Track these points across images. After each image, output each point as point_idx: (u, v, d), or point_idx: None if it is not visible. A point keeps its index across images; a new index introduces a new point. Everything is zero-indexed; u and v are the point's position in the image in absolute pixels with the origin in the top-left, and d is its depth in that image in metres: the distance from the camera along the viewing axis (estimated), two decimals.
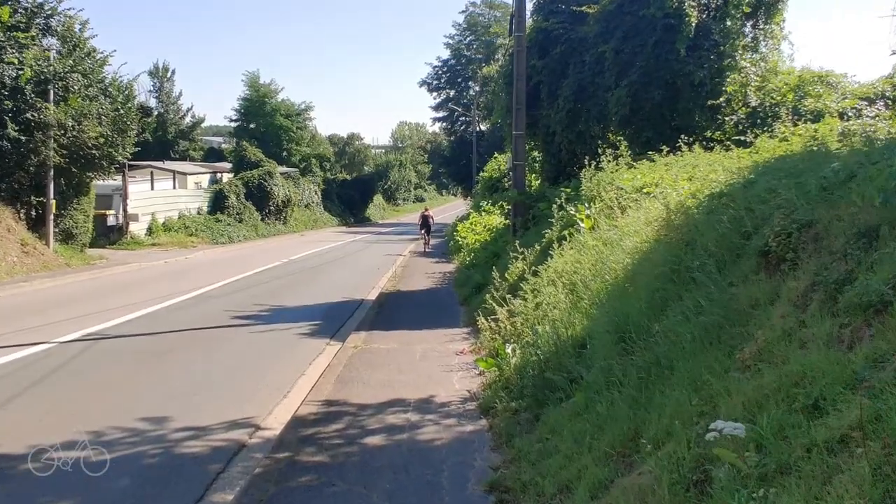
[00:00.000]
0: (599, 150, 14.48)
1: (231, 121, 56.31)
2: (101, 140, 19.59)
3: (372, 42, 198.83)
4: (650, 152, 10.97)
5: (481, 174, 28.64)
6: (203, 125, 62.79)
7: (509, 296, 9.26)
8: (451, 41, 63.71)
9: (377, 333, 10.03)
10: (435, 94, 63.19)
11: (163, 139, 51.82)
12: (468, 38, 63.66)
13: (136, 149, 22.60)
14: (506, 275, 10.33)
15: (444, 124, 62.78)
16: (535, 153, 17.38)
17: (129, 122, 20.91)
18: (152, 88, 54.58)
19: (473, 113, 55.44)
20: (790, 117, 11.91)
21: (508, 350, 6.81)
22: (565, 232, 9.73)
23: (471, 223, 22.39)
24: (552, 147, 15.55)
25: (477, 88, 58.88)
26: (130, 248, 26.58)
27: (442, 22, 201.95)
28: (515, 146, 14.33)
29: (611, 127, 14.30)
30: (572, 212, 9.98)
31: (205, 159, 51.12)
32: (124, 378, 7.68)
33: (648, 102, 13.33)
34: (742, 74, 13.60)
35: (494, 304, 8.89)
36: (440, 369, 7.75)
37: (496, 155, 27.61)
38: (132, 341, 9.76)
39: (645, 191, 8.83)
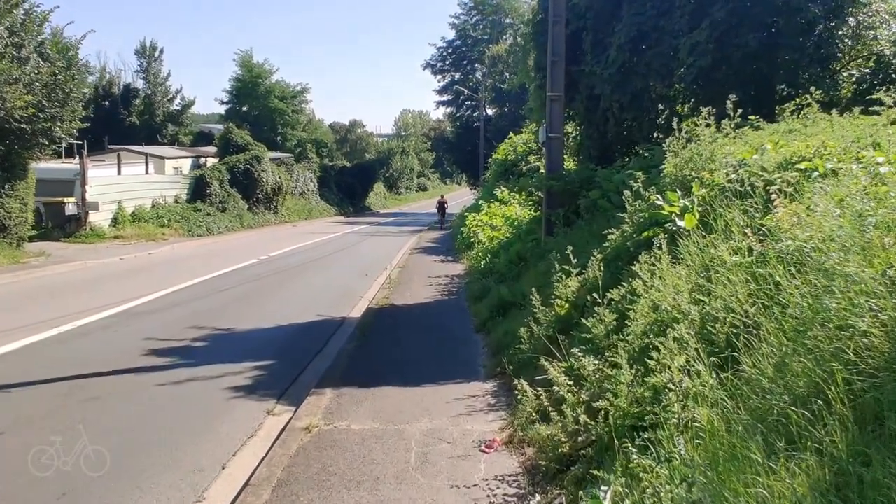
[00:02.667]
0: (661, 118, 10.98)
1: (222, 103, 52.71)
2: (32, 111, 15.94)
3: (375, 29, 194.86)
4: (751, 117, 7.43)
5: (493, 156, 24.88)
6: (203, 112, 59.22)
7: (564, 339, 5.65)
8: (456, 21, 60.38)
9: (349, 393, 6.35)
10: (439, 76, 60.00)
11: (150, 123, 48.30)
12: (475, 18, 60.36)
13: (85, 124, 18.88)
14: (553, 303, 6.65)
15: (449, 109, 59.37)
16: (570, 127, 13.62)
17: (69, 91, 17.17)
18: (139, 68, 50.91)
19: (481, 96, 51.72)
20: None
21: (605, 502, 3.14)
22: (648, 234, 6.09)
23: (485, 215, 18.61)
24: (595, 116, 11.79)
25: (484, 71, 55.07)
26: (89, 241, 22.93)
27: (448, 2, 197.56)
28: (550, 113, 10.59)
29: (680, 85, 10.60)
30: (659, 202, 6.27)
31: (194, 144, 47.34)
32: None
33: (738, 51, 9.58)
34: (867, 13, 9.86)
35: (537, 352, 5.32)
36: (455, 499, 4.10)
37: (510, 135, 23.85)
38: None
39: (802, 166, 5.19)
